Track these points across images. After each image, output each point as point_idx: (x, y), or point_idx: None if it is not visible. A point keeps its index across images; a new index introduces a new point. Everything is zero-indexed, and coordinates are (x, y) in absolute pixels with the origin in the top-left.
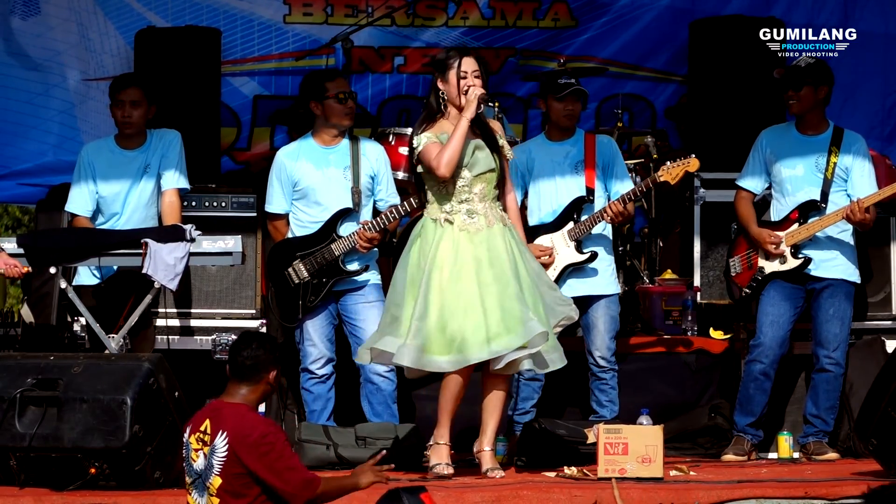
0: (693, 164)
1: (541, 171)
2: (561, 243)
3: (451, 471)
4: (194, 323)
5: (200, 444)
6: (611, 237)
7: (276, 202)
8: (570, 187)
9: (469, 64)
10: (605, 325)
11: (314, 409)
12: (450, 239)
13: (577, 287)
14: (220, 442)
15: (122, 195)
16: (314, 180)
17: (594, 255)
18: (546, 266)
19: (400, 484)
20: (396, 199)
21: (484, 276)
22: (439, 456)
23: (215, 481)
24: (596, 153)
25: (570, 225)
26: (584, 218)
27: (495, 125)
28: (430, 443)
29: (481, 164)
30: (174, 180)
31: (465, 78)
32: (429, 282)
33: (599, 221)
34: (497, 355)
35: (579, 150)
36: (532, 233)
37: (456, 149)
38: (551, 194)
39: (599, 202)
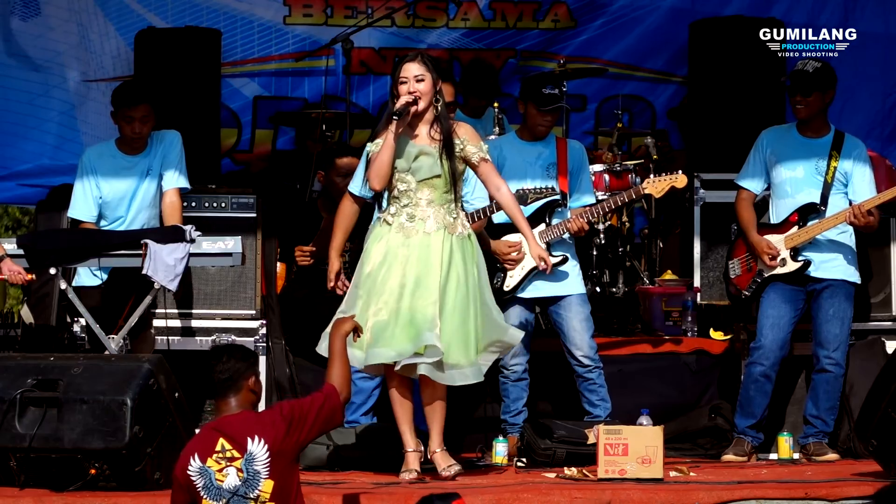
0: (680, 180)
1: (511, 170)
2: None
3: (414, 476)
4: (194, 324)
5: (224, 462)
6: (574, 241)
7: (355, 183)
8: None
9: (409, 69)
10: (582, 324)
11: (353, 401)
12: (384, 239)
13: (543, 288)
14: (258, 447)
15: (126, 199)
16: None
17: (565, 259)
18: (515, 262)
19: (400, 489)
20: (486, 202)
21: (407, 276)
22: (406, 464)
23: (267, 486)
24: (568, 158)
25: (542, 227)
26: (555, 222)
27: (465, 129)
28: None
29: (424, 170)
30: (174, 180)
31: (404, 83)
32: (358, 279)
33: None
34: (394, 360)
35: (551, 153)
36: (499, 230)
37: (381, 162)
38: None
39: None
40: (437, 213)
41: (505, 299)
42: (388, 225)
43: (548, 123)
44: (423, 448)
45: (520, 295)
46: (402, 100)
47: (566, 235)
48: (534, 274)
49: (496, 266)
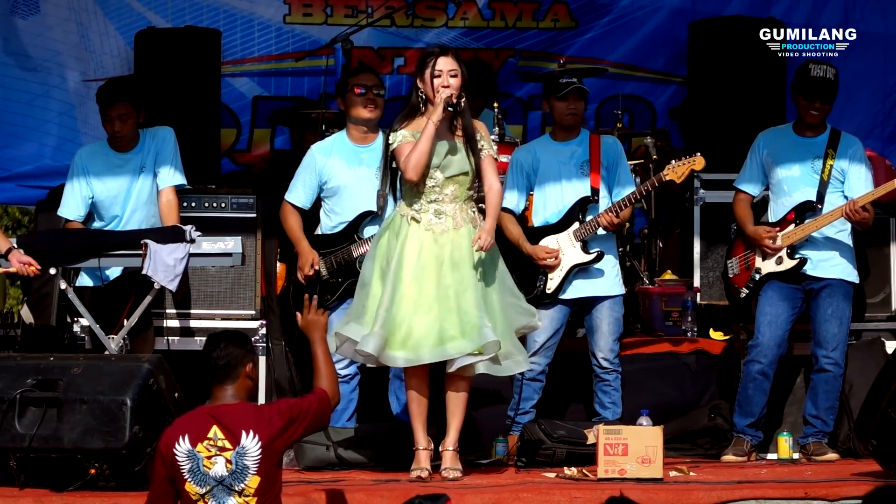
0: (699, 162)
1: (546, 172)
2: (567, 244)
3: (426, 474)
4: (194, 324)
5: (214, 450)
6: (614, 237)
7: (295, 194)
8: (575, 188)
9: (444, 63)
10: (609, 327)
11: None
12: (416, 237)
13: (582, 288)
14: (251, 442)
15: (120, 198)
16: (345, 179)
17: (601, 255)
18: (552, 268)
19: (400, 486)
20: None
21: (445, 277)
22: (416, 462)
23: (253, 481)
24: (601, 153)
25: (576, 225)
26: (588, 218)
27: (479, 125)
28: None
29: (454, 167)
30: (170, 177)
31: (439, 77)
32: (397, 276)
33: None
34: (449, 358)
35: (584, 150)
36: (537, 234)
37: (422, 152)
38: (556, 195)
39: (604, 202)
40: (462, 208)
41: (545, 301)
42: (417, 223)
43: (573, 111)
44: (433, 446)
45: (561, 297)
46: (448, 92)
47: (600, 231)
48: (573, 273)
49: (537, 270)
